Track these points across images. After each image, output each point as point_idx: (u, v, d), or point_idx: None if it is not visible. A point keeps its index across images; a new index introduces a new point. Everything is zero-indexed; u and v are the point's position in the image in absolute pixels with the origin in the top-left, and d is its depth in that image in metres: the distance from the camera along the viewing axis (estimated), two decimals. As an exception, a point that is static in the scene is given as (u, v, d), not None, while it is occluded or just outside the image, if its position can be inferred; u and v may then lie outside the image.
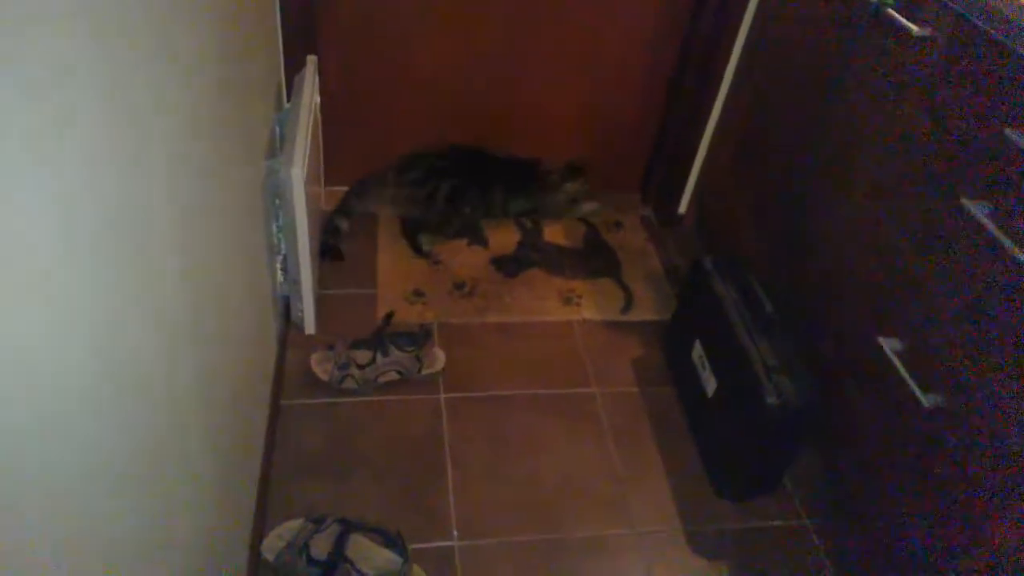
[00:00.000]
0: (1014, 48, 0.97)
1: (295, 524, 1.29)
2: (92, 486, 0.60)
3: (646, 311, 1.88)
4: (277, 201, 1.45)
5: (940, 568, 1.09)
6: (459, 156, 1.98)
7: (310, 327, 1.63)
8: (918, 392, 1.10)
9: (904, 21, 1.15)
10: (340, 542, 1.25)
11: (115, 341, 0.65)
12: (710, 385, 1.48)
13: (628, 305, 1.88)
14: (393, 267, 1.88)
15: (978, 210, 1.01)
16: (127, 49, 0.66)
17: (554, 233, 2.07)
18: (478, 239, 2.00)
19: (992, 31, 1.01)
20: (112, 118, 0.63)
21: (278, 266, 1.56)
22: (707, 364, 1.50)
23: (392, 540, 1.28)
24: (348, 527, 1.28)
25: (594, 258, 2.00)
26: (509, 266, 1.94)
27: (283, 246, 1.52)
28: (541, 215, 2.08)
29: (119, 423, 0.66)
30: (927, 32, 1.12)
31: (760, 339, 1.38)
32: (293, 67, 1.69)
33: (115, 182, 0.64)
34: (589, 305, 1.87)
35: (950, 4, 1.07)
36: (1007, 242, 0.95)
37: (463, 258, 1.95)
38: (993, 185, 1.01)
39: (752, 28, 1.69)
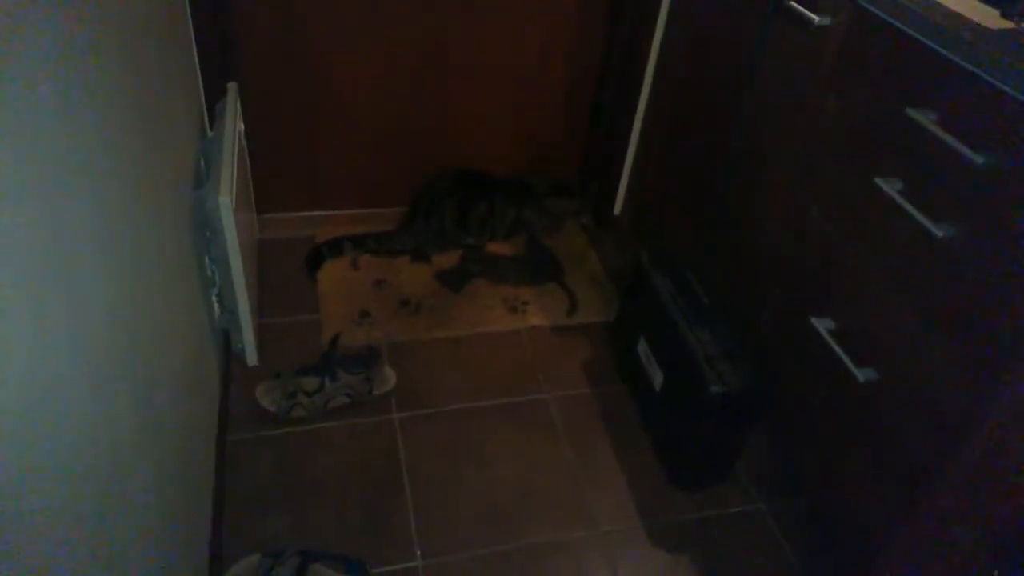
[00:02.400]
0: (908, 32, 1.02)
1: (252, 560, 1.26)
2: (26, 543, 0.58)
3: (591, 312, 1.90)
4: (208, 233, 1.42)
5: (889, 534, 1.13)
6: (452, 180, 2.01)
7: (252, 358, 1.60)
8: (853, 368, 1.13)
9: (805, 11, 1.19)
10: (300, 574, 1.22)
11: (44, 390, 0.62)
12: (657, 379, 1.51)
13: (573, 308, 1.90)
14: (335, 290, 1.86)
15: (890, 188, 1.05)
16: (35, 92, 0.64)
17: (496, 243, 2.07)
18: (421, 255, 2.00)
19: (887, 16, 1.05)
20: (24, 159, 0.61)
21: (214, 299, 1.53)
22: (652, 359, 1.53)
23: (354, 567, 1.26)
24: (307, 557, 1.25)
25: (537, 265, 2.01)
26: (454, 280, 1.93)
27: (217, 278, 1.49)
28: (528, 228, 2.09)
29: (51, 474, 0.63)
30: (827, 21, 1.16)
31: (700, 329, 1.41)
32: (214, 95, 1.66)
33: (32, 228, 0.62)
34: (535, 311, 1.88)
35: (847, -7, 1.12)
36: (920, 217, 1.00)
37: (407, 275, 1.94)
38: (902, 163, 1.06)
39: (666, 29, 1.73)
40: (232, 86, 1.65)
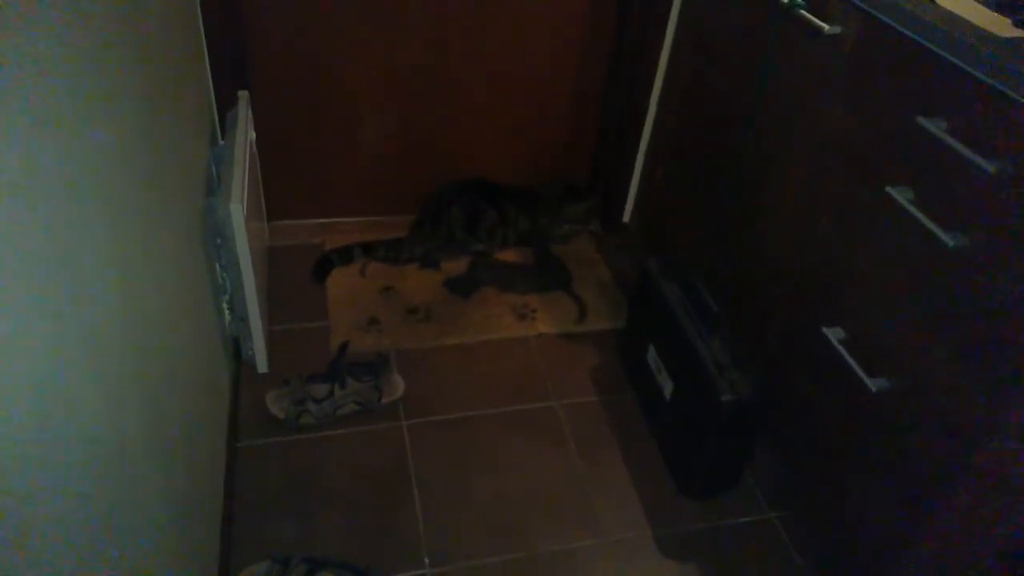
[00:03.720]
0: (919, 40, 1.01)
1: (261, 566, 1.26)
2: (36, 548, 0.58)
3: (600, 320, 1.90)
4: (219, 240, 1.43)
5: (899, 547, 1.12)
6: (461, 188, 2.02)
7: (262, 365, 1.60)
8: (864, 378, 1.13)
9: (815, 20, 1.19)
10: (308, 581, 1.22)
11: (56, 395, 0.63)
12: (667, 387, 1.50)
13: (582, 315, 1.90)
14: (344, 297, 1.87)
15: (901, 197, 1.05)
16: (49, 100, 0.65)
17: (505, 251, 2.08)
18: (430, 263, 2.00)
19: (896, 25, 1.05)
20: (39, 166, 0.61)
21: (225, 306, 1.53)
22: (662, 367, 1.52)
23: (361, 574, 1.26)
24: (315, 565, 1.25)
25: (545, 272, 2.01)
26: (462, 287, 1.94)
27: (228, 285, 1.49)
28: (545, 237, 2.09)
29: (62, 479, 0.64)
30: (837, 30, 1.16)
31: (709, 337, 1.40)
32: (225, 104, 1.68)
33: (45, 234, 0.62)
34: (544, 319, 1.88)
35: (855, 1, 1.12)
36: (932, 226, 0.99)
37: (416, 283, 1.95)
38: (913, 172, 1.05)
39: (676, 37, 1.73)
40: (243, 95, 1.66)
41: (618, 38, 1.94)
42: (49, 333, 0.62)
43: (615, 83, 2.00)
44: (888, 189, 1.06)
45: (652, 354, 1.57)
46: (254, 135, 1.68)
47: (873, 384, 1.12)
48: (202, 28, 1.60)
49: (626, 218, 2.09)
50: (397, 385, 1.62)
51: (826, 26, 1.17)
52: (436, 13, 1.79)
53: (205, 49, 1.63)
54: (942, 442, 1.03)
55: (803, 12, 1.22)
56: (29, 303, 0.59)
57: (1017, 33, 0.97)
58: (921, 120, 1.00)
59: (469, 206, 1.99)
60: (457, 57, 1.87)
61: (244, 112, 1.60)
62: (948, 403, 1.01)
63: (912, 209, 1.02)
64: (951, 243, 0.96)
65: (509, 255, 2.07)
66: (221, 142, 1.65)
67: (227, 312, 1.55)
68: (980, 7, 1.03)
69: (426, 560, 1.33)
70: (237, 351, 1.63)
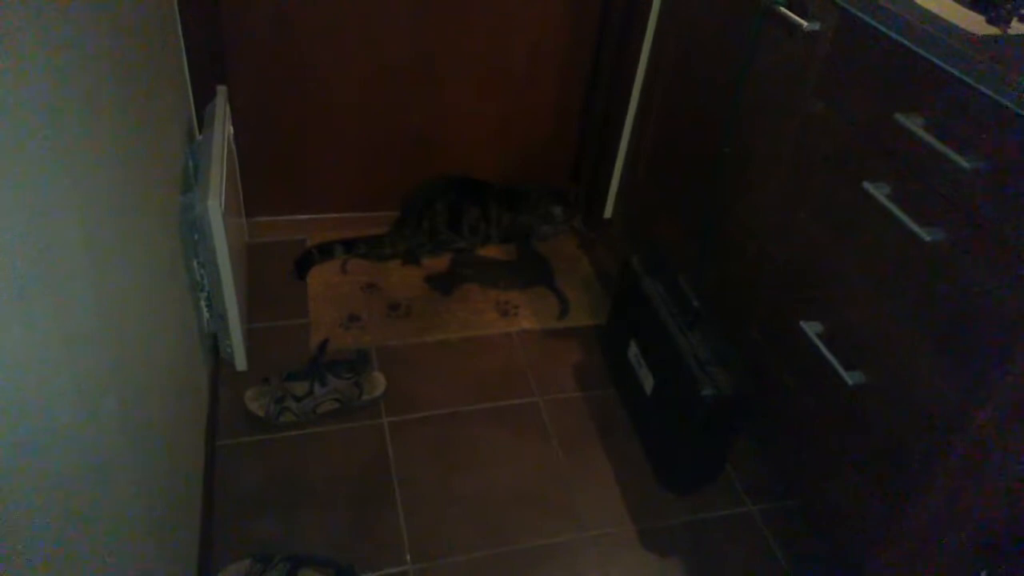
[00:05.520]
0: (896, 37, 1.02)
1: (242, 565, 1.25)
2: (10, 548, 0.57)
3: (582, 316, 1.90)
4: (196, 236, 1.41)
5: (880, 536, 1.13)
6: (444, 184, 2.00)
7: (241, 363, 1.59)
8: (841, 371, 1.14)
9: (793, 16, 1.20)
10: (289, 580, 1.22)
11: (30, 393, 0.62)
12: (648, 383, 1.51)
13: (564, 312, 1.90)
14: (324, 294, 1.85)
15: (879, 192, 1.06)
16: (22, 92, 0.64)
17: (487, 247, 2.07)
18: (411, 259, 1.99)
19: (873, 22, 1.06)
20: (11, 161, 0.60)
21: (203, 303, 1.52)
22: (643, 362, 1.53)
23: (343, 572, 1.25)
24: (297, 563, 1.24)
25: (527, 268, 2.01)
26: (444, 283, 1.93)
27: (206, 282, 1.48)
28: (527, 234, 2.09)
29: (37, 477, 0.63)
30: (816, 26, 1.17)
31: (690, 333, 1.41)
32: (203, 99, 1.65)
33: (18, 230, 0.61)
34: (526, 315, 1.88)
35: (834, -1, 1.13)
36: (908, 221, 1.00)
37: (397, 279, 1.94)
38: (890, 167, 1.07)
39: (656, 33, 1.74)
40: (221, 89, 1.64)
41: (600, 36, 1.94)
42: (23, 331, 0.61)
43: (597, 80, 2.00)
44: (866, 184, 1.07)
45: (634, 350, 1.58)
46: (232, 130, 1.66)
47: (850, 377, 1.13)
48: (179, 21, 1.58)
49: (608, 214, 2.10)
50: (378, 382, 1.61)
51: (804, 22, 1.18)
52: (419, 9, 1.77)
53: (182, 43, 1.60)
54: (918, 434, 1.04)
55: (782, 8, 1.23)
56: (2, 301, 0.58)
57: (991, 30, 0.98)
58: (898, 116, 1.01)
59: (451, 203, 1.99)
60: (440, 53, 1.86)
61: (222, 107, 1.58)
62: (924, 395, 1.03)
63: (889, 204, 1.03)
64: (927, 238, 0.98)
65: (491, 251, 2.06)
66: (199, 137, 1.63)
67: (205, 309, 1.53)
68: (955, 4, 1.05)
69: (408, 557, 1.33)
70: (215, 349, 1.61)
